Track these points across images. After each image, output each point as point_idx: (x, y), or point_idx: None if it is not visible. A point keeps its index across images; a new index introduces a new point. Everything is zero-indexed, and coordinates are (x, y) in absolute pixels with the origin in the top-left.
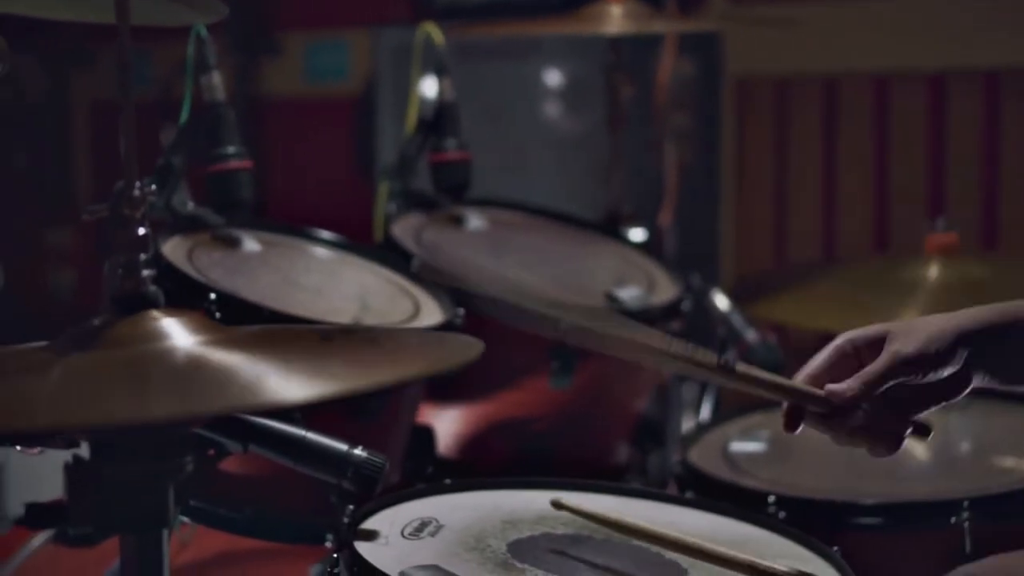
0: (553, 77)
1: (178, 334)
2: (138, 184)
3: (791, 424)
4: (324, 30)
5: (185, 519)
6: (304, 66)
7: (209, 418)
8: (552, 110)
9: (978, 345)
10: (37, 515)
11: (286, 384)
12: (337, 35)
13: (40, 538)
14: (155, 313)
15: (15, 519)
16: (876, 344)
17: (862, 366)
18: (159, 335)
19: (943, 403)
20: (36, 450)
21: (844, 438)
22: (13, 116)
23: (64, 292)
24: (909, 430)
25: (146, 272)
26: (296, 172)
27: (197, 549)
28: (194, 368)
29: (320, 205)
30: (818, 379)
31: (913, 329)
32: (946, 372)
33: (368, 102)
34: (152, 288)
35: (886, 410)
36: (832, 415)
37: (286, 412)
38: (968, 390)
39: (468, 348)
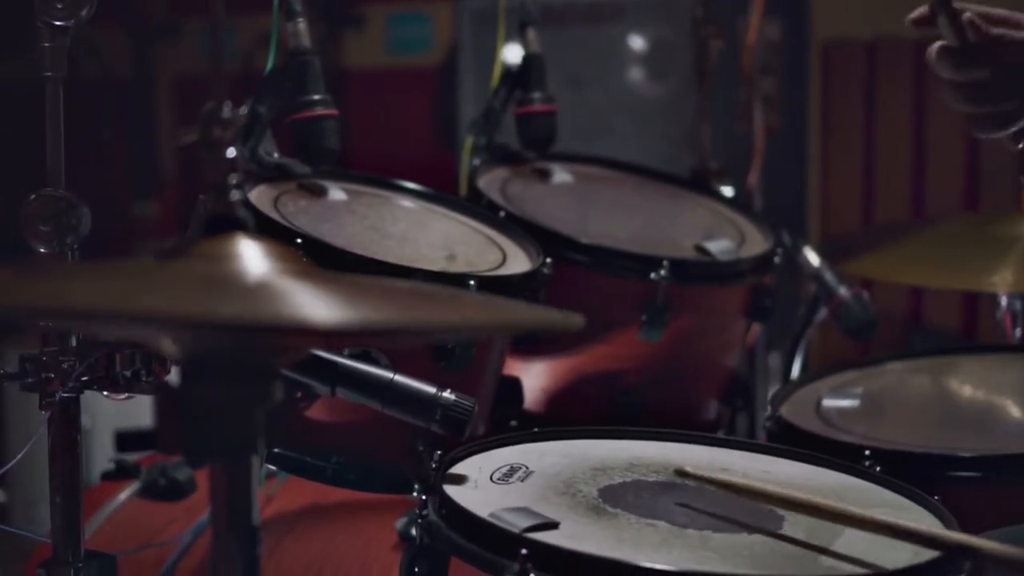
0: (637, 42)
1: (254, 257)
2: (227, 104)
3: (919, 22)
4: (405, 1)
5: (272, 468)
6: (385, 38)
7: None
8: (635, 76)
9: None
10: (127, 441)
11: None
12: (418, 6)
13: (126, 492)
14: (240, 234)
15: (102, 474)
16: None
17: None
18: (237, 255)
19: None
20: (122, 396)
21: (960, 93)
22: (100, 91)
23: None
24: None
25: (235, 195)
26: (379, 144)
27: (283, 502)
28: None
29: (403, 175)
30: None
31: None
32: None
33: (450, 73)
34: (241, 211)
35: (1012, 81)
36: (962, 55)
37: (373, 357)
38: None
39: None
